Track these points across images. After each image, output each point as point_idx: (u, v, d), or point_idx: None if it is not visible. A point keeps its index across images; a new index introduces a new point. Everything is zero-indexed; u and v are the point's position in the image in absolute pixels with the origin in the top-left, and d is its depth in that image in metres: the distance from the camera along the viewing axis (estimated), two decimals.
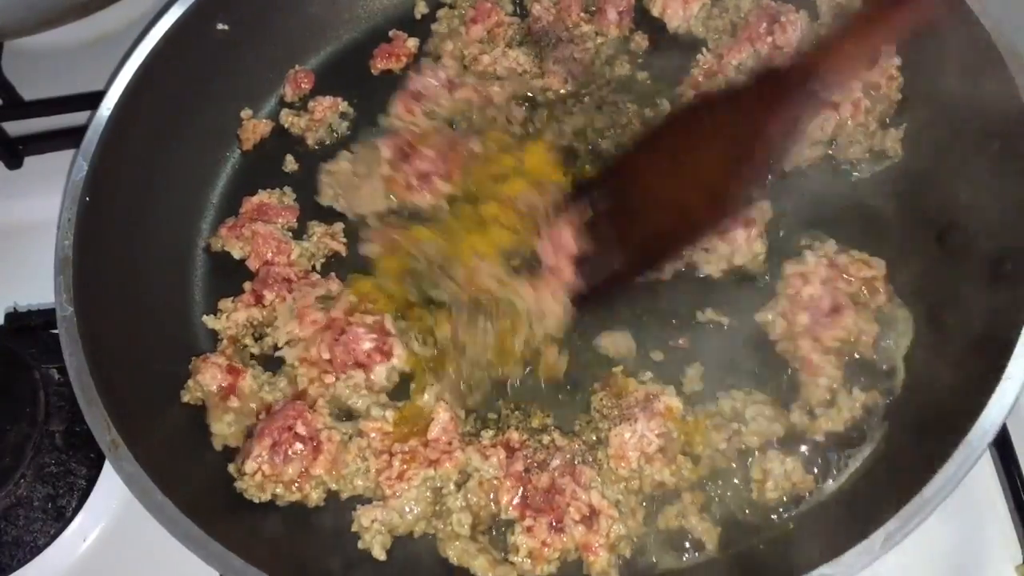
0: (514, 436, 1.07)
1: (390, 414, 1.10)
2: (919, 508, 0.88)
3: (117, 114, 1.20)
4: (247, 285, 1.21)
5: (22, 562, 1.13)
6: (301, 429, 1.07)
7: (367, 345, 1.12)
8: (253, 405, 1.13)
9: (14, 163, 1.47)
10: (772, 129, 1.00)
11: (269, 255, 1.23)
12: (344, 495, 1.08)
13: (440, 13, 1.43)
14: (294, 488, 1.06)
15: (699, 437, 1.06)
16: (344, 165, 1.28)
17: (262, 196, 1.29)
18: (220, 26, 1.32)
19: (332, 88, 1.38)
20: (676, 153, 1.08)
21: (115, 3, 1.47)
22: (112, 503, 1.16)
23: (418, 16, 1.45)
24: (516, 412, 1.12)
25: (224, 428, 1.11)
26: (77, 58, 1.54)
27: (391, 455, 1.06)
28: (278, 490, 1.06)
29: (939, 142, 1.17)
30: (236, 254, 1.25)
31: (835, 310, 1.09)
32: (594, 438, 1.08)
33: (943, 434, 0.93)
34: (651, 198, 1.09)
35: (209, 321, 1.20)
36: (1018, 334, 0.94)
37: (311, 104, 1.36)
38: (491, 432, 1.09)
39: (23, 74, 1.53)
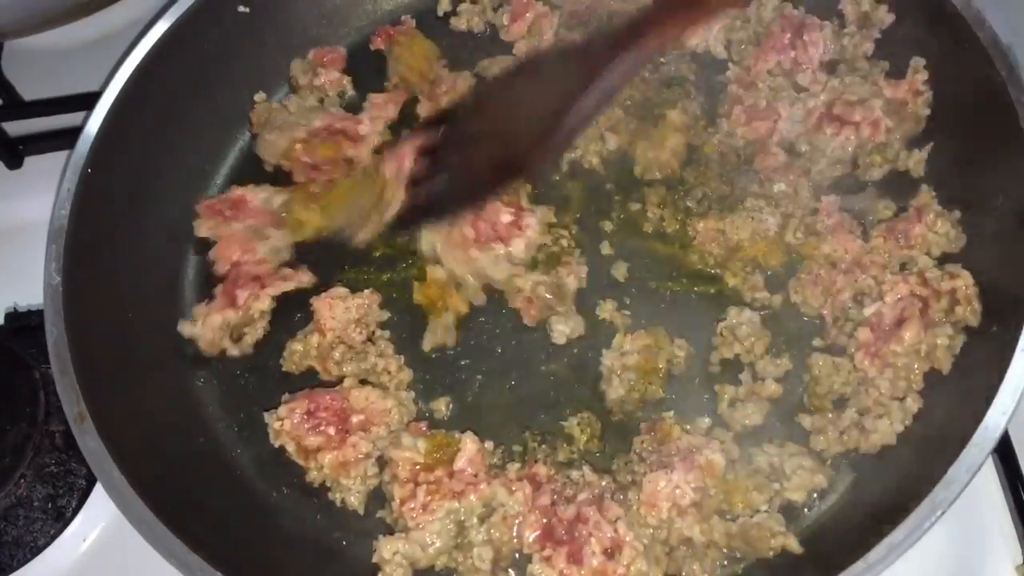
0: (541, 470, 1.05)
1: (422, 444, 1.07)
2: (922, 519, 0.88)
3: (129, 87, 1.21)
4: (218, 289, 1.21)
5: (22, 562, 1.13)
6: (335, 419, 1.08)
7: (506, 218, 1.17)
8: None
9: (14, 163, 1.47)
10: (594, 88, 1.00)
11: (235, 257, 1.22)
12: (336, 498, 1.08)
13: (461, 8, 1.40)
14: (301, 455, 1.09)
15: (739, 497, 1.02)
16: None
17: (248, 191, 1.27)
18: (241, 8, 1.32)
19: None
20: (512, 97, 1.12)
21: (115, 3, 1.47)
22: (112, 503, 1.16)
23: (440, 13, 1.42)
24: (543, 445, 1.10)
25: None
26: (77, 58, 1.54)
27: (416, 484, 1.04)
28: (289, 445, 1.09)
29: (966, 163, 1.12)
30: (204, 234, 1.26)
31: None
32: (628, 479, 1.05)
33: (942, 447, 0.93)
34: (485, 133, 1.12)
35: (185, 328, 1.19)
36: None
37: (318, 79, 1.36)
38: (517, 465, 1.07)
39: (23, 74, 1.53)
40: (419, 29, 1.40)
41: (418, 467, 1.05)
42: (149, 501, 0.97)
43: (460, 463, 1.04)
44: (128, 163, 1.22)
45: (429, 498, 1.02)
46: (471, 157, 1.13)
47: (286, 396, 1.13)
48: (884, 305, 1.07)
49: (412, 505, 1.02)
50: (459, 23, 1.40)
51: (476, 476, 1.04)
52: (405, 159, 1.18)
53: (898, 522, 0.88)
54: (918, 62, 1.18)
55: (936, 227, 1.10)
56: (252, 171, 1.33)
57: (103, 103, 1.20)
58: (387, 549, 1.01)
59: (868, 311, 1.07)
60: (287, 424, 1.09)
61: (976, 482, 0.91)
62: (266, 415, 1.11)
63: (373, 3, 1.44)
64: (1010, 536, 1.07)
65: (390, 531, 1.05)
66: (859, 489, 1.03)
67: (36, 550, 1.13)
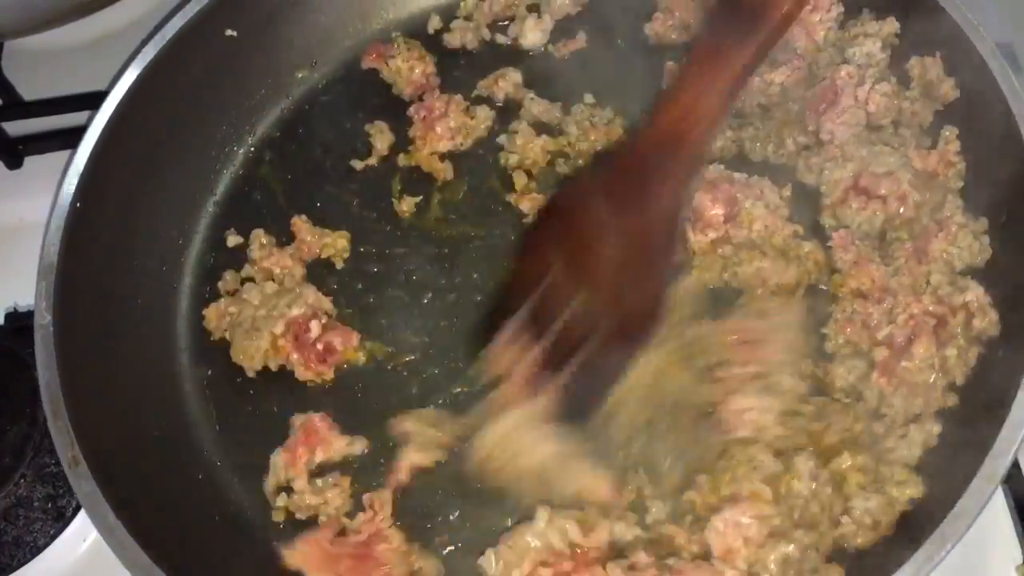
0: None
1: (571, 527, 0.98)
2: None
3: (117, 115, 1.19)
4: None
5: (22, 562, 1.12)
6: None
7: None
8: None
9: (14, 163, 1.47)
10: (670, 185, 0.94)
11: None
12: None
13: (454, 24, 1.39)
14: None
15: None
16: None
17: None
18: (228, 32, 1.31)
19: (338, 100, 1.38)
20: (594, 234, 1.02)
21: (115, 3, 1.47)
22: None
23: (431, 31, 1.40)
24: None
25: None
26: (77, 58, 1.54)
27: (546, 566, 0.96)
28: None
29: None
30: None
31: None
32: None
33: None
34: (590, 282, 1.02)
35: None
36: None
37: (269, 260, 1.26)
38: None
39: (23, 74, 1.53)
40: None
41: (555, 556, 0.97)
42: (146, 546, 0.95)
43: (591, 542, 0.97)
44: (118, 196, 1.20)
45: None
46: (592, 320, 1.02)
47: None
48: (895, 327, 1.05)
49: None
50: (452, 40, 1.38)
51: (597, 560, 0.96)
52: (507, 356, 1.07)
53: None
54: (951, 131, 1.13)
55: (958, 240, 1.08)
56: (245, 200, 1.32)
57: (88, 139, 1.17)
58: None
59: (881, 334, 1.05)
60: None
61: None
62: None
63: (362, 22, 1.42)
64: (1010, 536, 1.07)
65: None
66: None
67: (36, 550, 1.13)
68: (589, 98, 1.31)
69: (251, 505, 1.11)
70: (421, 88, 1.34)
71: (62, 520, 1.15)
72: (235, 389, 1.18)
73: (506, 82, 1.33)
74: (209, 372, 1.20)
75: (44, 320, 1.07)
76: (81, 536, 1.15)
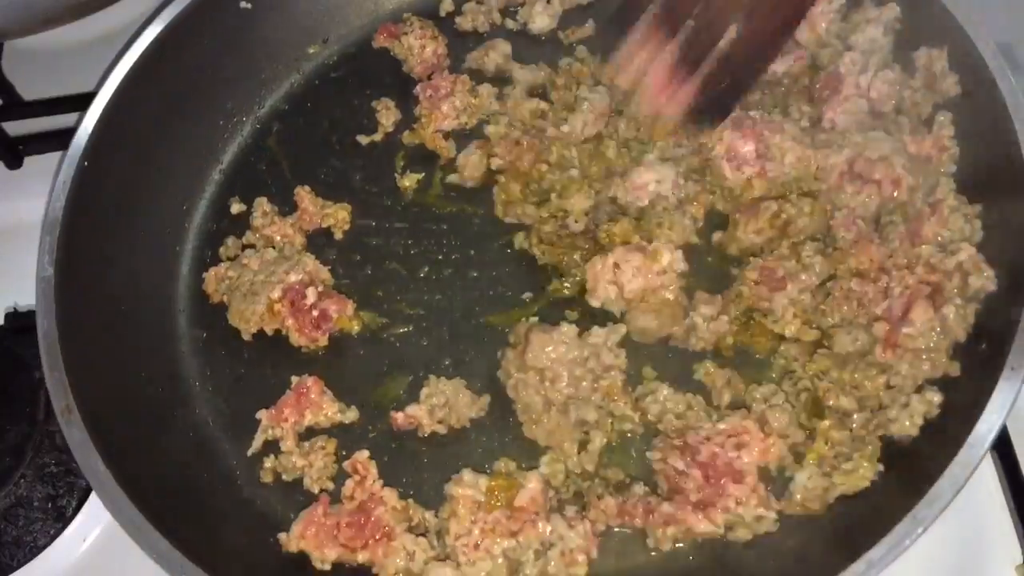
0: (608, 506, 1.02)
1: (483, 482, 1.03)
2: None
3: (127, 83, 1.21)
4: None
5: (22, 562, 1.13)
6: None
7: None
8: None
9: (14, 163, 1.47)
10: None
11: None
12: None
13: (466, 7, 1.40)
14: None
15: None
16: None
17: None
18: (243, 3, 1.32)
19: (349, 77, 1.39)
20: None
21: (115, 3, 1.47)
22: None
23: (443, 14, 1.42)
24: (602, 487, 1.05)
25: None
26: (77, 58, 1.54)
27: (472, 523, 1.01)
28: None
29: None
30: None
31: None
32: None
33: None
34: None
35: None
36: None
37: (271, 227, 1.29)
38: (574, 508, 1.03)
39: (23, 74, 1.53)
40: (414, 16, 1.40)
41: (478, 507, 1.01)
42: (136, 497, 0.97)
43: (523, 500, 1.01)
44: (125, 157, 1.23)
45: (485, 537, 0.99)
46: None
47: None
48: (892, 299, 1.06)
49: (466, 541, 1.00)
50: (464, 23, 1.40)
51: (536, 514, 1.01)
52: (637, 59, 1.06)
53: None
54: (945, 116, 1.15)
55: (950, 223, 1.08)
56: (250, 169, 1.34)
57: (101, 97, 1.20)
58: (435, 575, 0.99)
59: (879, 308, 1.07)
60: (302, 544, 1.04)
61: (975, 481, 0.91)
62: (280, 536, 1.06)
63: (375, 2, 1.44)
64: (1010, 536, 1.07)
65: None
66: None
67: (36, 550, 1.13)
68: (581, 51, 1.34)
69: (240, 465, 1.13)
70: (431, 68, 1.36)
71: (62, 520, 1.15)
72: (230, 352, 1.20)
73: (496, 53, 1.35)
74: (205, 335, 1.22)
75: (46, 272, 1.09)
76: (81, 536, 1.15)
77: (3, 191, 1.45)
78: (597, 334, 1.10)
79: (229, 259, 1.26)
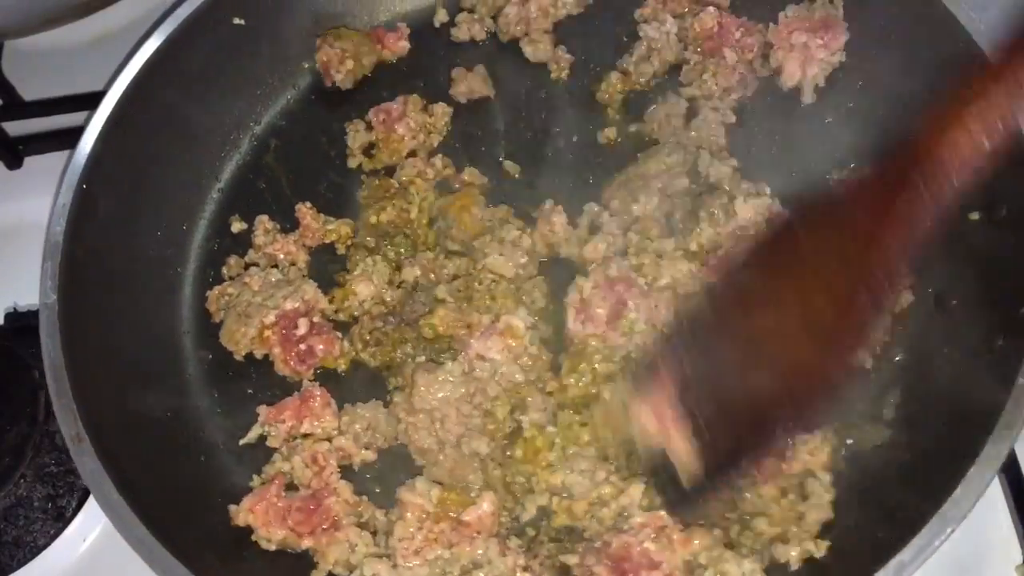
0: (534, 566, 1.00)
1: (435, 493, 1.03)
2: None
3: (124, 101, 1.20)
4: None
5: (22, 562, 1.13)
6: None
7: None
8: None
9: (14, 163, 1.47)
10: (889, 238, 0.78)
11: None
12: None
13: (459, 18, 1.38)
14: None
15: None
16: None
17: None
18: (236, 20, 1.31)
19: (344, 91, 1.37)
20: (769, 296, 0.87)
21: (115, 3, 1.47)
22: None
23: (437, 24, 1.40)
24: (549, 544, 1.02)
25: None
26: (77, 58, 1.54)
27: (418, 528, 1.01)
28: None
29: None
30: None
31: None
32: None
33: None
34: (743, 357, 0.88)
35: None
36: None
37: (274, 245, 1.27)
38: (518, 542, 1.02)
39: (23, 74, 1.53)
40: (416, 42, 1.38)
41: (426, 516, 1.01)
42: (148, 522, 0.96)
43: (470, 517, 1.01)
44: (124, 178, 1.21)
45: (426, 545, 1.00)
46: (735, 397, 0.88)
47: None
48: None
49: (407, 545, 1.00)
50: (459, 34, 1.38)
51: (478, 534, 1.00)
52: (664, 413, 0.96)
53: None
54: None
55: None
56: (249, 187, 1.33)
57: (96, 120, 1.18)
58: (369, 569, 1.00)
59: None
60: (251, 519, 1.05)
61: None
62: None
63: (369, 15, 1.42)
64: (1010, 536, 1.07)
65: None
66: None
67: (36, 550, 1.13)
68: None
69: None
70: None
71: (62, 520, 1.15)
72: (237, 373, 1.19)
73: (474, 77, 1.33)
74: (211, 356, 1.21)
75: (49, 300, 1.08)
76: (81, 536, 1.15)
77: (3, 191, 1.45)
78: (482, 368, 1.08)
79: (231, 279, 1.24)
